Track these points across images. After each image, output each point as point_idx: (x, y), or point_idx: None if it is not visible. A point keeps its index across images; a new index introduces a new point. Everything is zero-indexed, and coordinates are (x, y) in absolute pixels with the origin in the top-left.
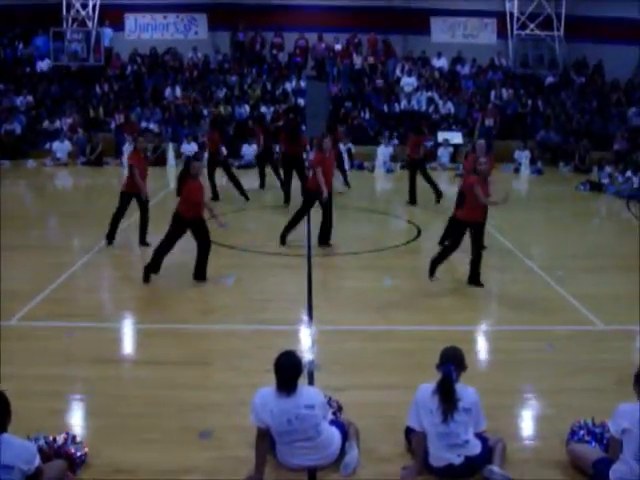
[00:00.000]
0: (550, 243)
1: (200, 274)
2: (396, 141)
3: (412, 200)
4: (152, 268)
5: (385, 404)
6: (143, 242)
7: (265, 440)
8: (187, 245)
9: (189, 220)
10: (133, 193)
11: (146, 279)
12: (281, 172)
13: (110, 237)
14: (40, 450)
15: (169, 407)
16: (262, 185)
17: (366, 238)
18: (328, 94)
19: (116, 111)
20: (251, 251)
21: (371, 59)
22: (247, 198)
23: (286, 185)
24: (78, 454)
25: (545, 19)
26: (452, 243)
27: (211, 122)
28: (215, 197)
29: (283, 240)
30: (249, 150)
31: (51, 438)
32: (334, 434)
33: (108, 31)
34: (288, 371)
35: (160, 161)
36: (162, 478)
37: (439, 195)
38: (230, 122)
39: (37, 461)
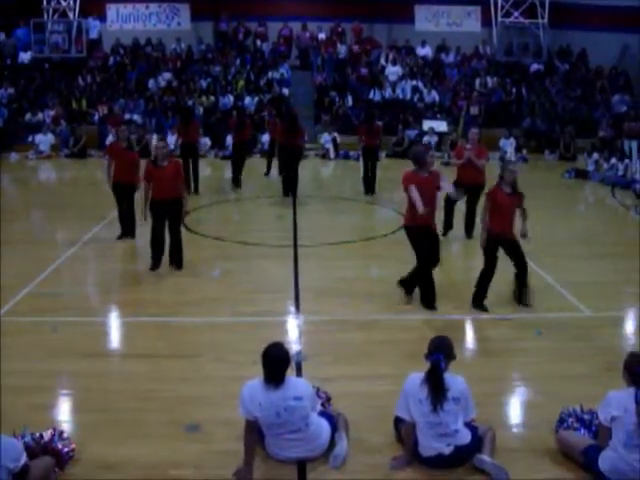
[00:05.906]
0: (536, 231)
1: (175, 260)
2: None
3: (368, 189)
4: (154, 264)
5: (374, 394)
6: (131, 234)
7: (254, 432)
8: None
9: (158, 202)
10: (120, 183)
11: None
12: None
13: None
14: (26, 447)
15: (156, 401)
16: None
17: (352, 228)
18: (312, 83)
19: (99, 103)
20: (236, 242)
21: (355, 48)
22: (197, 192)
23: (285, 177)
24: (65, 450)
25: (529, 7)
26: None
27: (182, 114)
28: (194, 190)
29: None
30: None
31: (37, 434)
32: (323, 425)
33: (95, 23)
34: (276, 363)
35: (144, 153)
36: (150, 473)
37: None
38: (214, 112)
39: (24, 458)
